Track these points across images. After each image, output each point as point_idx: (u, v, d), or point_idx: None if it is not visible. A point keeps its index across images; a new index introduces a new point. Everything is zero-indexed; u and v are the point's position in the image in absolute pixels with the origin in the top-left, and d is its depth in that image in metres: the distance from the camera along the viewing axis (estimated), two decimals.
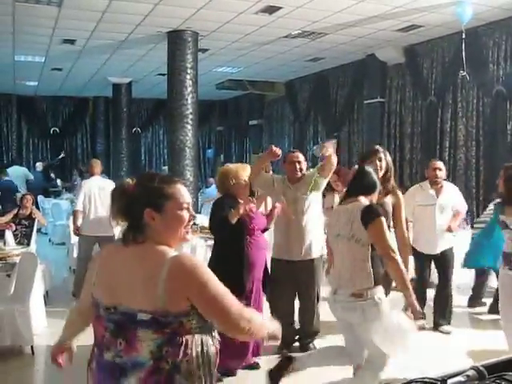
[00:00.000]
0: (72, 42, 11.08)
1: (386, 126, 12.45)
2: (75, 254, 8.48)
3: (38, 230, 10.30)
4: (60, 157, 18.80)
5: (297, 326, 5.76)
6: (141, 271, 2.05)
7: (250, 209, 4.93)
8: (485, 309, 7.14)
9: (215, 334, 2.18)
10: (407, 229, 5.92)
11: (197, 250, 7.41)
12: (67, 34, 10.55)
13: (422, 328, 5.95)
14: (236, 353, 4.66)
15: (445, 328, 6.21)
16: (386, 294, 4.05)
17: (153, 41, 11.00)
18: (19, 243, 7.94)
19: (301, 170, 5.49)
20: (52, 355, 2.60)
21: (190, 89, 10.53)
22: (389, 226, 4.32)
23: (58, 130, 19.76)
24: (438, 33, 10.46)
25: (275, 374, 4.00)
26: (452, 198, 6.37)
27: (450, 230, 6.24)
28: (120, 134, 16.49)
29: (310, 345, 5.61)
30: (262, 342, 2.43)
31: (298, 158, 5.54)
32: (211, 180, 15.29)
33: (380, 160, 4.83)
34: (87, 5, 8.67)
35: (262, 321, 2.18)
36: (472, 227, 7.69)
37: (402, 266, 3.72)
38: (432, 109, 11.16)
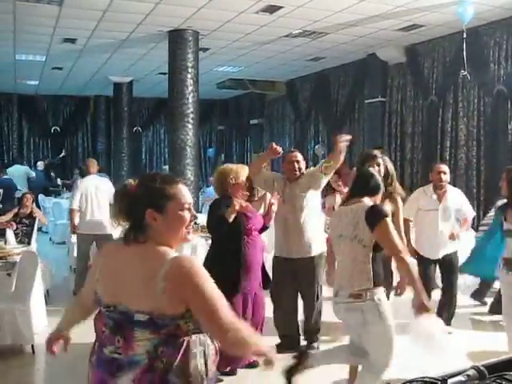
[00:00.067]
0: (73, 40, 11.08)
1: (387, 126, 12.45)
2: (76, 253, 8.50)
3: (39, 229, 10.31)
4: (61, 155, 18.80)
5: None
6: (140, 271, 2.06)
7: (247, 208, 4.95)
8: (485, 309, 7.13)
9: None
10: (408, 231, 5.95)
11: (197, 249, 7.41)
12: (68, 33, 10.54)
13: None
14: None
15: (445, 328, 6.20)
16: (387, 295, 4.04)
17: (154, 40, 11.00)
18: (20, 242, 7.95)
19: (299, 169, 5.52)
20: (47, 342, 2.64)
21: (190, 88, 10.53)
22: None
23: (58, 129, 19.75)
24: (439, 32, 10.45)
25: (291, 370, 3.99)
26: (455, 203, 6.24)
27: (452, 237, 6.11)
28: (121, 133, 16.49)
29: (314, 344, 5.62)
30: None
31: (297, 157, 5.57)
32: (212, 179, 15.28)
33: (378, 165, 4.82)
34: (88, 4, 8.68)
35: (254, 336, 2.12)
36: (476, 230, 7.66)
37: (411, 264, 3.71)
38: (433, 108, 11.16)
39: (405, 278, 3.96)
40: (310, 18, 9.51)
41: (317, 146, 14.84)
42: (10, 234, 7.81)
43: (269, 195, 5.82)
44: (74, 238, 8.50)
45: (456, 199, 6.28)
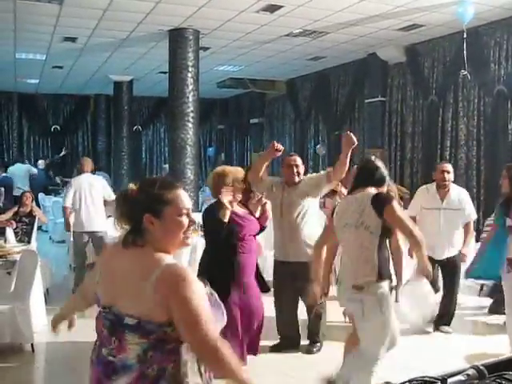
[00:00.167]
0: (73, 39, 11.08)
1: (387, 125, 12.45)
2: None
3: (39, 228, 10.31)
4: (61, 154, 18.79)
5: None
6: (133, 275, 2.07)
7: (239, 215, 4.95)
8: (485, 310, 7.13)
9: None
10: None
11: (197, 249, 7.41)
12: (68, 32, 10.54)
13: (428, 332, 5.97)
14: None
15: (445, 328, 6.19)
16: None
17: (154, 39, 11.00)
18: (20, 241, 7.96)
19: (298, 173, 5.51)
20: (53, 322, 2.69)
21: (191, 87, 10.53)
22: None
23: (58, 127, 19.75)
24: (439, 32, 10.45)
25: None
26: (458, 203, 6.12)
27: (465, 258, 6.08)
28: (121, 132, 16.49)
29: (316, 344, 5.63)
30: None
31: (296, 161, 5.56)
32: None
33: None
34: (88, 2, 8.67)
35: (234, 360, 2.03)
36: (476, 230, 7.61)
37: (423, 242, 3.72)
38: (433, 108, 11.15)
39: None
40: (311, 18, 9.50)
41: (318, 146, 14.83)
42: (9, 232, 7.81)
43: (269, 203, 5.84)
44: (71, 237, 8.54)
45: (459, 199, 6.16)
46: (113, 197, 8.40)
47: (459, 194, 6.21)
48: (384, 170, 4.07)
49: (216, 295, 2.20)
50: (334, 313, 5.99)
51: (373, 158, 4.87)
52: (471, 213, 6.28)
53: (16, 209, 8.75)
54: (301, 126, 16.06)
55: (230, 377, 2.01)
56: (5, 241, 7.44)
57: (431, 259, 5.98)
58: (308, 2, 8.54)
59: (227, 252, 4.86)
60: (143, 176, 19.30)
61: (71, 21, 9.64)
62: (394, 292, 3.94)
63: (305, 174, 5.68)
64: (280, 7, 8.89)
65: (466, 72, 9.18)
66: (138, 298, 2.02)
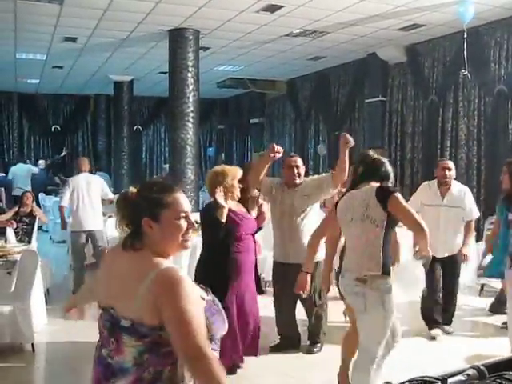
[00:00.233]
0: (73, 39, 11.08)
1: (387, 125, 12.45)
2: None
3: (39, 228, 10.31)
4: (62, 154, 18.78)
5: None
6: (130, 278, 2.08)
7: (236, 213, 4.95)
8: (484, 311, 7.11)
9: (211, 344, 2.14)
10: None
11: (197, 250, 7.40)
12: (69, 32, 10.54)
13: (433, 337, 5.95)
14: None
15: (445, 327, 6.17)
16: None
17: (154, 39, 11.00)
18: (20, 241, 7.96)
19: (299, 174, 5.49)
20: (65, 309, 2.81)
21: (191, 87, 10.53)
22: None
23: (59, 127, 19.75)
24: (439, 32, 10.45)
25: None
26: (459, 200, 6.04)
27: (465, 259, 5.99)
28: (121, 132, 16.48)
29: (317, 345, 5.63)
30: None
31: (296, 162, 5.54)
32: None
33: None
34: (89, 3, 8.67)
35: (221, 373, 1.98)
36: (476, 230, 7.59)
37: (427, 231, 3.75)
38: (433, 108, 11.15)
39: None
40: (311, 18, 9.50)
41: (319, 146, 14.83)
42: (10, 232, 7.82)
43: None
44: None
45: (461, 197, 6.07)
46: (110, 195, 8.46)
47: (461, 192, 6.12)
48: (389, 166, 4.08)
49: (218, 303, 2.20)
50: (334, 313, 6.01)
51: (370, 152, 4.89)
52: (473, 211, 6.17)
53: (16, 209, 8.75)
54: (301, 126, 16.06)
55: None
56: (5, 241, 7.44)
57: (433, 257, 6.01)
58: (308, 1, 8.54)
59: (224, 251, 4.87)
60: (143, 176, 19.35)
61: (71, 21, 9.64)
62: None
63: (305, 174, 5.67)
64: (280, 7, 8.89)
65: (466, 72, 9.17)
66: (133, 300, 2.01)
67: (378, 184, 3.94)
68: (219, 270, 4.77)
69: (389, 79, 12.42)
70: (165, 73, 12.32)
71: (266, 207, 5.57)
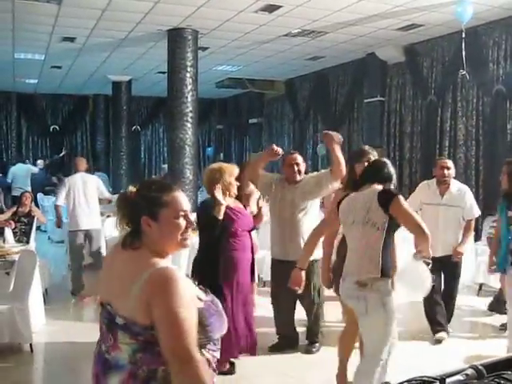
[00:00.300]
0: (72, 39, 11.07)
1: (386, 125, 12.45)
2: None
3: (38, 228, 10.32)
4: (61, 154, 18.78)
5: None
6: (126, 277, 2.08)
7: (233, 209, 4.95)
8: (482, 312, 7.11)
9: (209, 345, 2.15)
10: None
11: (196, 248, 7.41)
12: (67, 32, 10.53)
13: (439, 341, 5.93)
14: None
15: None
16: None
17: (153, 39, 10.99)
18: (18, 241, 7.96)
19: (299, 172, 5.50)
20: (79, 297, 2.78)
21: (189, 87, 10.53)
22: None
23: (57, 127, 19.73)
24: (438, 32, 10.45)
25: None
26: (459, 199, 5.97)
27: (456, 254, 5.88)
28: (120, 132, 16.48)
29: (315, 344, 5.64)
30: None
31: (297, 159, 5.54)
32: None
33: (369, 161, 4.76)
34: (87, 2, 8.67)
35: (206, 374, 1.97)
36: (474, 230, 7.56)
37: (429, 235, 3.74)
38: (432, 108, 11.16)
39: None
40: (309, 18, 9.50)
41: (318, 146, 14.82)
42: (8, 232, 7.81)
43: (256, 195, 5.84)
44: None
45: (460, 196, 6.01)
46: (106, 194, 8.50)
47: (460, 191, 6.05)
48: (391, 168, 4.07)
49: (218, 303, 2.20)
50: (333, 313, 6.01)
51: (366, 147, 4.88)
52: (474, 209, 6.09)
53: (15, 209, 8.75)
54: (300, 126, 16.05)
55: None
56: (3, 241, 7.45)
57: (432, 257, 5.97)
58: (307, 1, 8.54)
59: (221, 249, 4.86)
60: (142, 176, 19.33)
61: (70, 21, 9.63)
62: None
63: (305, 173, 5.67)
64: (279, 7, 8.88)
65: (464, 72, 9.18)
66: (127, 299, 2.02)
67: (380, 186, 3.93)
68: (215, 268, 4.76)
69: (387, 79, 12.43)
70: (163, 73, 12.32)
71: (266, 208, 5.56)
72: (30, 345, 5.61)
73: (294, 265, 4.48)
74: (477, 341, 6.11)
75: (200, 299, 2.11)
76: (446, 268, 5.96)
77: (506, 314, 5.65)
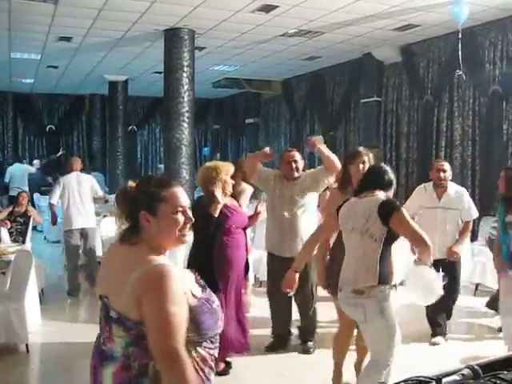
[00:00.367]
0: (68, 39, 11.05)
1: (383, 125, 12.46)
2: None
3: (34, 228, 10.31)
4: (58, 154, 18.75)
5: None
6: (121, 272, 2.09)
7: (228, 206, 4.96)
8: (481, 313, 7.11)
9: (206, 343, 2.15)
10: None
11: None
12: (63, 32, 10.51)
13: (435, 343, 5.93)
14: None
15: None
16: None
17: (149, 39, 10.98)
18: (14, 241, 7.95)
19: (297, 169, 5.53)
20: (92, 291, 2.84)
21: (186, 87, 10.52)
22: None
23: (54, 127, 19.70)
24: (434, 32, 10.46)
25: None
26: (457, 201, 5.91)
27: (450, 254, 5.79)
28: (116, 132, 16.46)
29: (309, 343, 5.64)
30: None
31: (295, 157, 5.57)
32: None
33: (363, 163, 4.74)
34: (83, 2, 8.65)
35: (191, 374, 1.98)
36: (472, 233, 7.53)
37: (431, 248, 3.76)
38: (428, 108, 11.17)
39: None
40: (306, 18, 9.50)
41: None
42: (4, 232, 7.81)
43: (248, 192, 5.84)
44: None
45: (458, 198, 5.94)
46: (100, 193, 8.54)
47: (458, 193, 5.99)
48: (391, 174, 4.05)
49: (215, 301, 2.19)
50: (325, 314, 6.01)
51: (361, 148, 4.88)
52: (472, 211, 6.04)
53: (11, 209, 8.74)
54: (296, 126, 16.05)
55: None
56: None
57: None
58: (303, 2, 8.54)
59: (214, 246, 4.86)
60: (138, 176, 19.27)
61: (66, 20, 9.62)
62: (394, 291, 3.91)
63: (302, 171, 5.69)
64: (275, 7, 8.88)
65: (461, 72, 9.18)
66: (121, 293, 2.04)
67: (381, 193, 3.91)
68: (210, 264, 4.75)
69: (384, 79, 12.43)
70: (160, 73, 12.30)
71: (263, 208, 5.56)
72: (26, 345, 5.60)
73: (290, 261, 4.48)
74: (474, 341, 6.11)
75: (195, 296, 2.11)
76: (445, 270, 5.88)
77: None
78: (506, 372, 1.46)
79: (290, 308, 5.71)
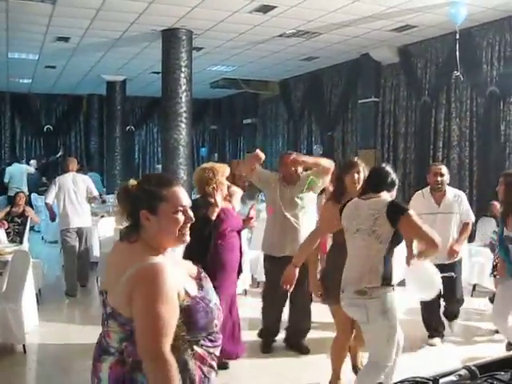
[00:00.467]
0: (66, 39, 11.04)
1: (380, 126, 12.46)
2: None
3: (31, 228, 10.29)
4: (58, 155, 18.72)
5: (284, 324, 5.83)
6: (118, 269, 2.10)
7: (223, 210, 4.96)
8: (479, 315, 7.10)
9: (203, 341, 2.15)
10: None
11: None
12: (61, 32, 10.50)
13: (432, 345, 5.92)
14: None
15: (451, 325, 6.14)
16: None
17: (147, 39, 10.98)
18: (12, 241, 7.95)
19: (296, 171, 5.55)
20: None
21: (184, 87, 10.51)
22: None
23: (51, 127, 19.66)
24: (431, 33, 10.47)
25: None
26: (456, 205, 5.84)
27: (452, 252, 5.74)
28: (114, 132, 16.43)
29: (303, 341, 5.66)
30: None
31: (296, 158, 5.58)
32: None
33: (358, 173, 4.74)
34: (81, 2, 8.64)
35: (173, 376, 1.96)
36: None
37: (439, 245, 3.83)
38: (426, 109, 11.18)
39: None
40: (304, 18, 9.51)
41: (315, 147, 14.81)
42: (1, 233, 7.80)
43: (239, 194, 5.86)
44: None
45: (457, 202, 5.87)
46: (94, 192, 8.59)
47: (456, 197, 5.92)
48: (394, 174, 4.06)
49: (211, 300, 2.18)
50: (329, 314, 6.01)
51: (355, 159, 4.89)
52: (470, 213, 6.01)
53: (8, 209, 8.73)
54: (294, 127, 16.06)
55: None
56: None
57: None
58: (301, 2, 8.54)
59: (208, 249, 4.85)
60: (136, 176, 19.26)
61: (64, 20, 9.61)
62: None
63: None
64: (273, 8, 8.88)
65: (458, 73, 9.20)
66: (116, 290, 2.06)
67: (386, 194, 3.93)
68: (203, 268, 4.74)
69: (381, 80, 12.44)
70: (158, 73, 12.30)
71: (254, 213, 5.56)
72: (23, 345, 5.59)
73: (290, 260, 4.48)
74: (471, 342, 6.11)
75: (188, 295, 2.10)
76: (444, 272, 5.84)
77: None
78: (502, 373, 1.46)
79: (282, 311, 5.73)
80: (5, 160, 18.18)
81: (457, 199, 5.92)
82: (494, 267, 6.23)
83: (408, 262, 4.35)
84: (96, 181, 12.14)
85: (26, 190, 13.82)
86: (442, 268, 5.63)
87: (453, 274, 5.91)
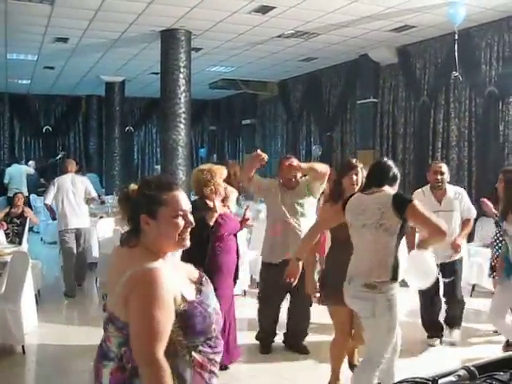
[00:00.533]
0: (65, 40, 11.03)
1: (379, 126, 12.46)
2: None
3: (30, 229, 10.28)
4: (59, 157, 18.69)
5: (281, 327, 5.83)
6: (117, 273, 2.10)
7: (221, 214, 4.95)
8: (478, 316, 7.10)
9: (202, 347, 2.14)
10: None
11: None
12: (60, 33, 10.50)
13: (431, 345, 5.92)
14: None
15: (451, 336, 6.12)
16: None
17: (146, 40, 10.97)
18: (11, 242, 7.94)
19: (295, 176, 5.54)
20: None
21: (183, 88, 10.51)
22: None
23: (50, 128, 19.65)
24: (430, 33, 10.48)
25: None
26: (457, 203, 5.83)
27: (455, 247, 5.69)
28: (113, 133, 16.42)
29: (302, 342, 5.67)
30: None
31: (293, 164, 5.56)
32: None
33: (357, 174, 4.74)
34: (80, 3, 8.64)
35: (166, 382, 1.96)
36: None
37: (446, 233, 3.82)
38: (425, 109, 11.18)
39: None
40: (303, 19, 9.51)
41: (314, 147, 14.82)
42: (0, 233, 7.79)
43: (234, 196, 5.85)
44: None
45: (458, 199, 5.87)
46: (93, 194, 8.61)
47: (457, 194, 5.91)
48: (395, 168, 4.07)
49: (210, 305, 2.16)
50: (327, 315, 6.01)
51: (354, 160, 4.88)
52: (471, 209, 5.98)
53: (7, 210, 8.72)
54: (293, 127, 16.06)
55: None
56: None
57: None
58: (300, 3, 8.55)
59: (206, 252, 4.85)
60: (135, 177, 19.27)
61: (63, 21, 9.61)
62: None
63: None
64: (272, 8, 8.88)
65: (457, 73, 9.21)
66: (113, 294, 2.07)
67: (388, 189, 3.93)
68: (201, 268, 4.74)
69: (380, 80, 12.44)
70: (156, 74, 12.29)
71: (249, 214, 5.55)
72: (22, 346, 5.59)
73: (288, 263, 4.46)
74: (470, 342, 6.11)
75: (185, 300, 2.09)
76: (445, 271, 5.83)
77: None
78: (501, 373, 1.46)
79: (278, 312, 5.72)
80: (4, 161, 18.18)
81: (458, 196, 5.91)
82: (492, 268, 6.25)
83: (409, 251, 4.37)
84: (94, 182, 12.14)
85: (25, 190, 13.83)
86: (443, 267, 5.71)
87: (453, 278, 5.93)
